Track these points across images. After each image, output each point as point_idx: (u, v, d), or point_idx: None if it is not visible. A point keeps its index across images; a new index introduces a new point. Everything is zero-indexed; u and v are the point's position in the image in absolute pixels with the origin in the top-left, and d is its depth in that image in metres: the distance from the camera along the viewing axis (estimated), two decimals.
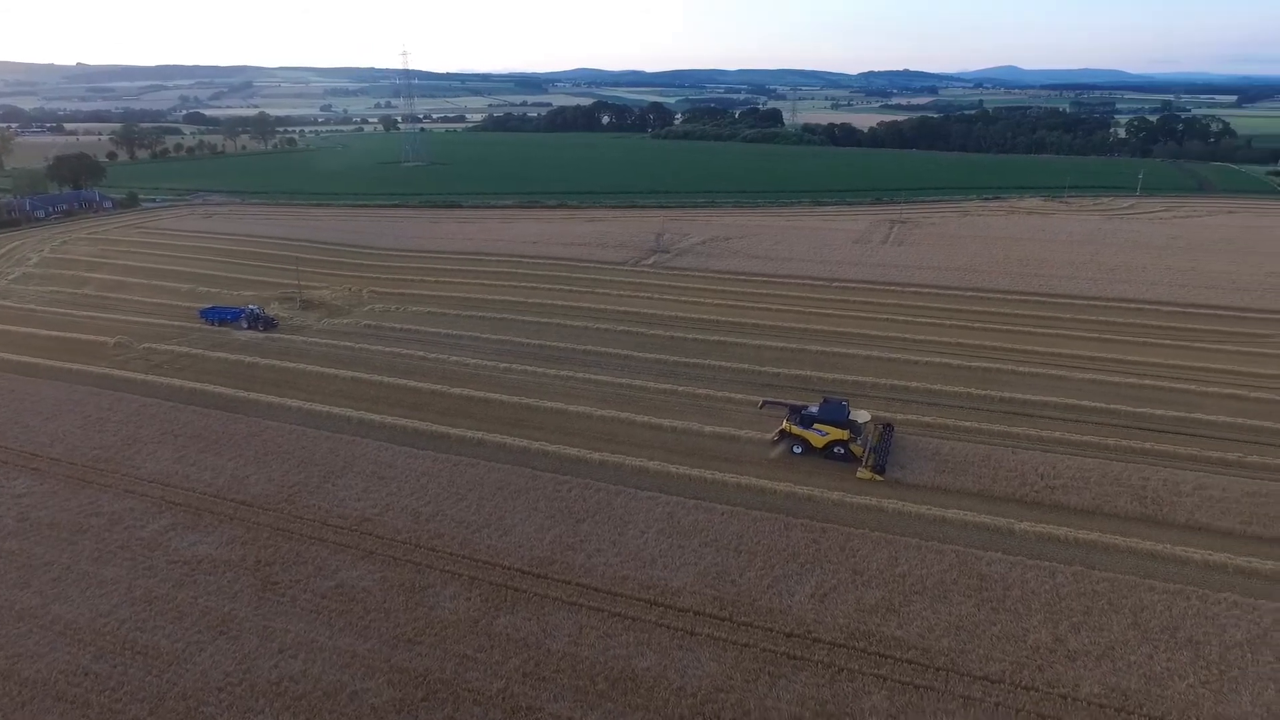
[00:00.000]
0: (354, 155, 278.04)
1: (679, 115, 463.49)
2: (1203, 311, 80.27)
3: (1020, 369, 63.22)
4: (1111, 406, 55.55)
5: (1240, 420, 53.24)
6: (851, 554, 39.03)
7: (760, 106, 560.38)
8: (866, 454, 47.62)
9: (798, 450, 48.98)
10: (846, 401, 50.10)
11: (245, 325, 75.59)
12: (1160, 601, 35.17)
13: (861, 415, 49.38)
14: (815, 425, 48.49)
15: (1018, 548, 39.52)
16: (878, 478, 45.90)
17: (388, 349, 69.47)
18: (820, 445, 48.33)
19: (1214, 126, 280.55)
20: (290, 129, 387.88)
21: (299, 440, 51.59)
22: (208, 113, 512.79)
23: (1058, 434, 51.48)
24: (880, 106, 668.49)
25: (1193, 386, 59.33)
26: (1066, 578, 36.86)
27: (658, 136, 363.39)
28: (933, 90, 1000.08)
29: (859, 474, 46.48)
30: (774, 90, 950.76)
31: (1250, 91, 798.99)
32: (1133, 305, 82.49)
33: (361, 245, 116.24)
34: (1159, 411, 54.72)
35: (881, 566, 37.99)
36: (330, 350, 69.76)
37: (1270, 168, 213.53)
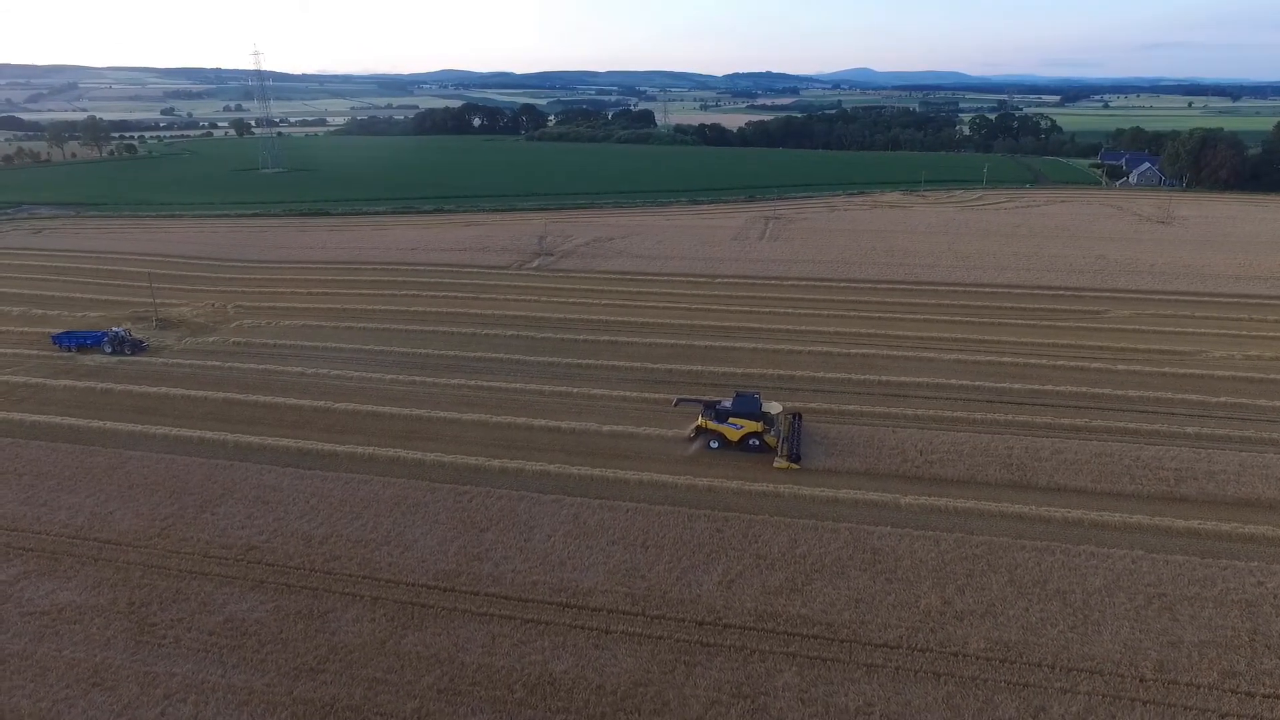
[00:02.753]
0: (205, 162, 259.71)
1: (552, 117, 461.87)
2: (1045, 292, 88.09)
3: (893, 353, 67.22)
4: (976, 384, 60.00)
5: (1083, 389, 58.81)
6: (754, 540, 40.28)
7: (632, 108, 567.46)
8: (780, 444, 49.03)
9: (714, 445, 49.80)
10: (758, 394, 51.41)
11: (110, 350, 68.51)
12: (1031, 559, 38.37)
13: (773, 407, 50.87)
14: (730, 420, 49.46)
15: (904, 520, 42.00)
16: (794, 466, 47.29)
17: (261, 366, 65.46)
18: (735, 439, 49.38)
19: (1043, 124, 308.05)
20: (128, 134, 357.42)
21: (168, 469, 47.79)
22: (25, 117, 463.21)
23: (931, 412, 55.09)
24: (747, 107, 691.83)
25: (1042, 361, 65.00)
26: (949, 544, 39.55)
27: (532, 139, 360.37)
28: (794, 91, 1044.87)
29: (776, 464, 47.72)
30: (644, 91, 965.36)
31: (1070, 92, 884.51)
32: (987, 289, 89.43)
33: (222, 258, 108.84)
34: (1016, 385, 59.62)
35: (783, 549, 39.42)
36: (196, 371, 64.99)
37: (1091, 161, 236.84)
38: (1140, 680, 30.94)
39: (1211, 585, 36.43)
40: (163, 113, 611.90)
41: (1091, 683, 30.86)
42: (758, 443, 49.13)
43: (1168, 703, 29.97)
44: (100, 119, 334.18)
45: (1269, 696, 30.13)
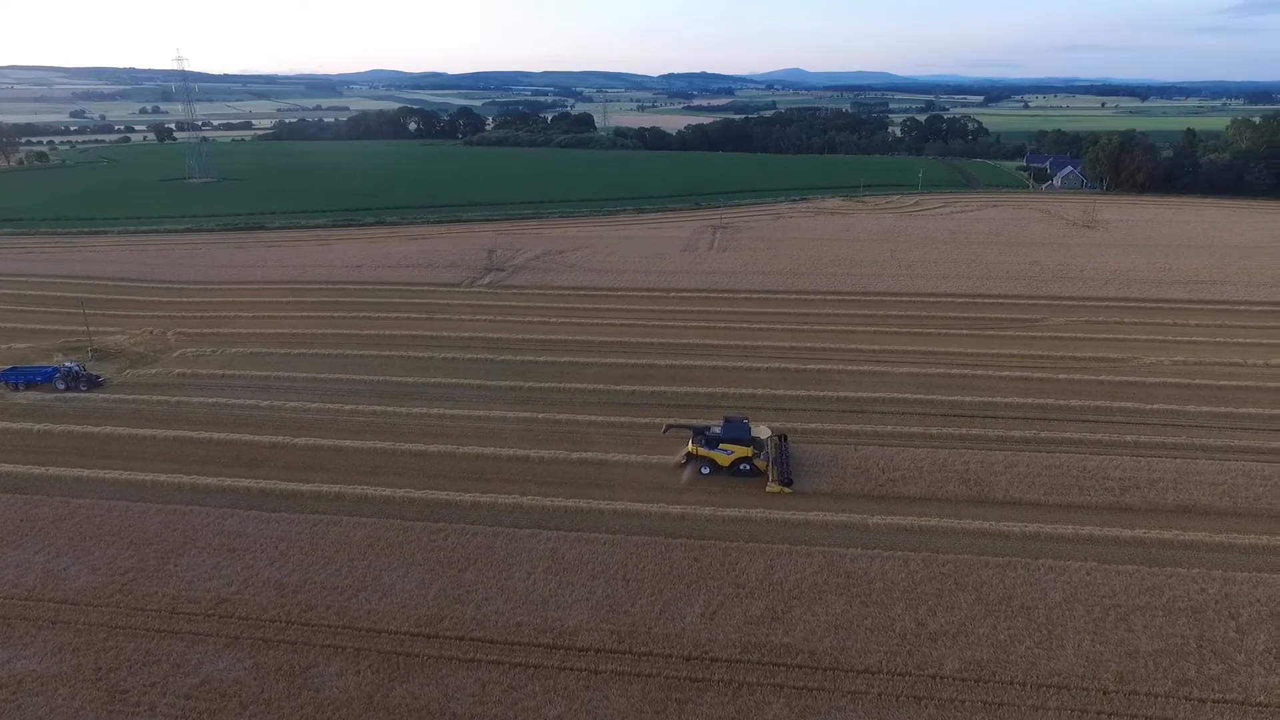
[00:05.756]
0: (127, 171, 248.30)
1: (490, 120, 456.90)
2: (986, 300, 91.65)
3: (848, 368, 69.01)
4: (929, 397, 62.17)
5: (1030, 400, 61.50)
6: (731, 568, 41.04)
7: (570, 109, 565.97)
8: (770, 468, 49.81)
9: (705, 471, 50.27)
10: (747, 419, 52.12)
11: (63, 387, 64.81)
12: (995, 575, 40.15)
13: (762, 431, 51.64)
14: (720, 445, 50.04)
15: (873, 541, 43.35)
16: (786, 490, 48.12)
17: (211, 400, 63.32)
18: (727, 464, 49.99)
19: (971, 126, 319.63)
20: (35, 139, 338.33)
21: (122, 518, 45.92)
22: None
23: (889, 428, 56.88)
24: (683, 108, 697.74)
25: (989, 372, 67.69)
26: (918, 564, 41.05)
27: (470, 143, 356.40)
28: (729, 92, 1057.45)
29: (768, 489, 48.45)
30: (580, 92, 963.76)
31: (993, 92, 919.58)
32: (931, 299, 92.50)
33: (157, 279, 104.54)
34: (967, 398, 61.99)
35: (760, 576, 40.30)
36: (141, 407, 62.42)
37: (1018, 163, 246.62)
38: (1104, 693, 32.79)
39: (1160, 594, 38.74)
40: (72, 115, 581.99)
41: (1060, 698, 32.57)
42: (748, 467, 49.82)
43: (1129, 714, 31.86)
44: (3, 122, 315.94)
45: (1219, 702, 32.31)
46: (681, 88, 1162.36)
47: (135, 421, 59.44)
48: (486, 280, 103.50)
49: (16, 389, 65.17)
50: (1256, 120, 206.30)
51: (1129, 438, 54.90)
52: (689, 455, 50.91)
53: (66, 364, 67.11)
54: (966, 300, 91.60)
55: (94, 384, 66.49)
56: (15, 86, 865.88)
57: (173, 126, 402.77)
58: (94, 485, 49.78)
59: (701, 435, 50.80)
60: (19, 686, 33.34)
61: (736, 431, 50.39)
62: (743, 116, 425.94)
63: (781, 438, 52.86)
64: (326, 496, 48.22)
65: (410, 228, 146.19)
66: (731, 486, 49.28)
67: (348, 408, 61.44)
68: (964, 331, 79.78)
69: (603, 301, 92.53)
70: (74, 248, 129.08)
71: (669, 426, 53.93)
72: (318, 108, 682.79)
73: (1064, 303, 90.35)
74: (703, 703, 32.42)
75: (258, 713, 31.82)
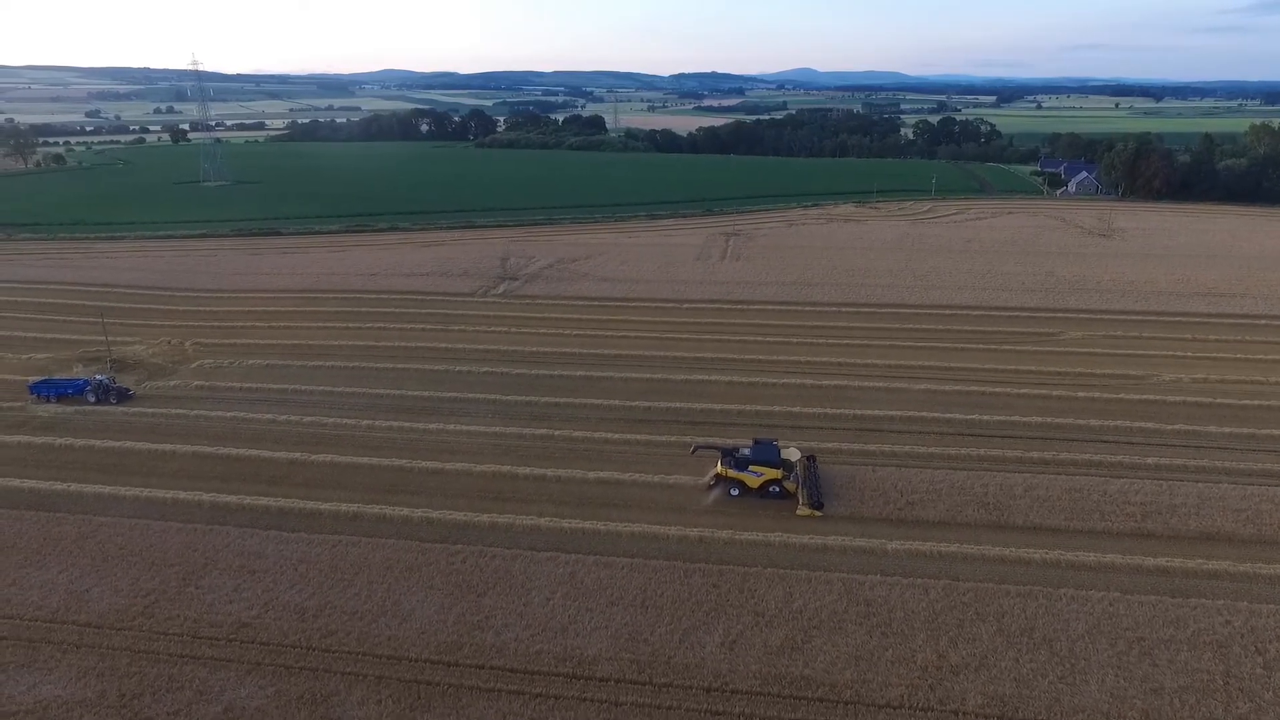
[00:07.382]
0: (142, 173, 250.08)
1: (501, 121, 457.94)
2: (1002, 313, 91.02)
3: (865, 384, 68.67)
4: (947, 415, 61.78)
5: (1048, 419, 61.03)
6: (750, 594, 40.88)
7: (581, 110, 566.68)
8: (799, 490, 49.61)
9: (734, 493, 50.14)
10: (777, 441, 51.92)
11: (94, 399, 65.32)
12: (1016, 605, 39.82)
13: (792, 453, 51.44)
14: (750, 467, 49.87)
15: (892, 568, 43.10)
16: (817, 513, 47.85)
17: (229, 414, 63.60)
18: (756, 486, 49.79)
19: (983, 128, 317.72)
20: (51, 139, 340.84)
21: (144, 537, 46.19)
22: None
23: (906, 448, 56.55)
24: (694, 108, 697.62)
25: (1007, 389, 67.22)
26: (938, 593, 40.76)
27: (482, 145, 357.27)
28: (740, 92, 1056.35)
29: (799, 512, 48.24)
30: (591, 92, 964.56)
31: (1005, 92, 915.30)
32: (946, 311, 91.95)
33: (173, 287, 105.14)
34: (985, 417, 61.55)
35: (779, 604, 40.13)
36: (160, 421, 62.80)
37: (1032, 168, 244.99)
38: None
39: (1184, 626, 38.32)
40: (88, 115, 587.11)
41: None
42: (778, 490, 49.62)
43: None
44: (19, 123, 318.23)
45: None
46: (692, 88, 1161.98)
47: (154, 436, 59.79)
48: (500, 289, 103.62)
49: (47, 401, 65.70)
50: (1275, 124, 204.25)
51: (1150, 460, 54.39)
52: (717, 477, 50.70)
53: (97, 376, 67.67)
54: (982, 313, 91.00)
55: (124, 396, 66.92)
56: (31, 86, 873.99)
57: (186, 127, 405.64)
58: (115, 502, 50.09)
59: (730, 457, 50.61)
60: (44, 713, 33.57)
61: (766, 453, 50.15)
62: (754, 118, 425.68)
63: (810, 459, 52.54)
64: (345, 516, 48.36)
65: (423, 233, 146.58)
66: (750, 509, 49.15)
67: (364, 423, 61.62)
68: (980, 346, 79.24)
69: (617, 312, 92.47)
70: (90, 253, 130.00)
71: (697, 447, 53.59)
72: (330, 108, 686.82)
73: (1081, 315, 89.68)
74: None
75: None
